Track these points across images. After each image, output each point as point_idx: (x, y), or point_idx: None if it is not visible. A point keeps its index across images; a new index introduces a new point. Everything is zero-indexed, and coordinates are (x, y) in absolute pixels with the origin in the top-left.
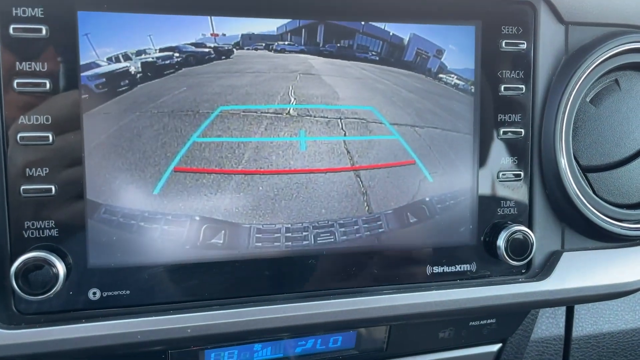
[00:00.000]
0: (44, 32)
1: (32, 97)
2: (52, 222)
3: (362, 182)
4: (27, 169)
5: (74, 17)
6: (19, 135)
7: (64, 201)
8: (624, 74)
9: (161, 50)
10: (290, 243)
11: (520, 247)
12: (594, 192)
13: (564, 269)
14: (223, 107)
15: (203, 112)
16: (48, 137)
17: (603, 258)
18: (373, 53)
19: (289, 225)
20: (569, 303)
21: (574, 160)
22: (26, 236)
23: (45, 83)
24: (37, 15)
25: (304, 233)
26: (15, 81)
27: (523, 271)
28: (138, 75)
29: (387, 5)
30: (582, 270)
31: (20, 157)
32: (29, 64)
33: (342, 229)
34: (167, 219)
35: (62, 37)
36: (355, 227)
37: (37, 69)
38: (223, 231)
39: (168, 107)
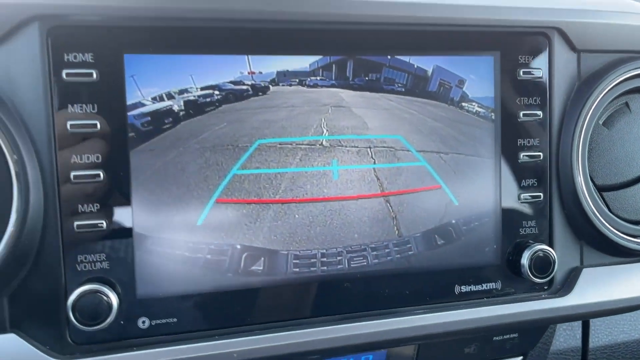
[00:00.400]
0: (94, 75)
1: (83, 137)
2: (103, 255)
3: (391, 207)
4: (80, 206)
5: (121, 60)
6: (72, 174)
7: (114, 235)
8: (634, 97)
9: (202, 88)
10: (325, 267)
11: (543, 265)
12: (609, 209)
13: (584, 285)
14: (261, 141)
15: (242, 145)
16: (99, 174)
17: (620, 273)
18: (399, 85)
19: (324, 251)
20: (590, 317)
21: (590, 180)
22: (79, 269)
23: (96, 124)
24: (87, 60)
25: (339, 257)
26: (69, 123)
27: (545, 288)
28: (181, 113)
29: (412, 39)
30: (601, 286)
31: (73, 194)
32: (80, 106)
33: (374, 253)
34: (210, 248)
35: (111, 80)
36: (387, 250)
37: (88, 111)
38: (263, 258)
39: (209, 142)
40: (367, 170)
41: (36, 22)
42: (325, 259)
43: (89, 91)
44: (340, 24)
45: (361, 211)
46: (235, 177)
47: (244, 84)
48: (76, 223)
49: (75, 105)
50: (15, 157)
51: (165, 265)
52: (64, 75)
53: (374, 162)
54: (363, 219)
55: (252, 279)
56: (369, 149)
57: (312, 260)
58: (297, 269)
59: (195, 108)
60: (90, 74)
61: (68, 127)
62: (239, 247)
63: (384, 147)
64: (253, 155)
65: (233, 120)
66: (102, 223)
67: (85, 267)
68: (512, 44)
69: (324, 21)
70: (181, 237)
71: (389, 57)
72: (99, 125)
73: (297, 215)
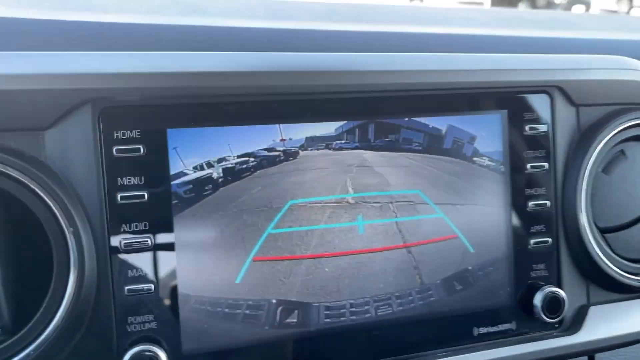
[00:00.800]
0: (141, 150)
1: (132, 207)
2: (151, 316)
3: (413, 257)
4: (130, 271)
5: (165, 134)
6: (123, 241)
7: (161, 296)
8: (629, 144)
9: (239, 156)
10: (354, 317)
11: (554, 306)
12: (612, 250)
13: (592, 322)
14: (292, 201)
15: (276, 207)
16: (147, 241)
17: (625, 309)
18: (416, 144)
19: (353, 301)
20: (599, 352)
21: (593, 224)
22: (129, 330)
23: (143, 195)
24: (135, 137)
25: (366, 307)
26: (119, 195)
27: (556, 326)
28: (220, 180)
29: (427, 102)
30: (608, 322)
31: (124, 261)
32: (129, 179)
33: (399, 301)
34: (249, 304)
35: (156, 153)
36: (410, 297)
37: (136, 183)
38: (296, 311)
39: (246, 205)
40: (389, 223)
41: (89, 104)
42: (354, 309)
43: (136, 164)
44: (361, 93)
45: (386, 262)
46: (270, 236)
47: (276, 151)
48: (127, 288)
49: (124, 178)
50: (72, 229)
51: (207, 322)
52: (114, 152)
53: (396, 216)
54: (387, 269)
55: (288, 331)
56: (391, 204)
57: (342, 310)
58: (329, 320)
59: (232, 174)
60: (138, 149)
61: (118, 199)
62: (274, 301)
63: (404, 201)
64: (286, 215)
65: (267, 184)
66: (151, 286)
67: (135, 327)
68: (517, 102)
69: (346, 91)
70: (221, 294)
71: (406, 119)
72: (146, 196)
73: (327, 269)
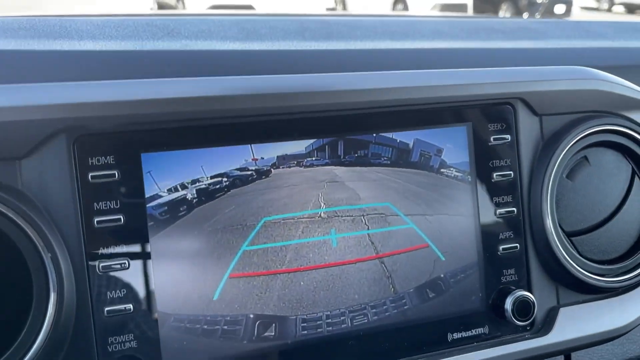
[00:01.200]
0: (116, 175)
1: (109, 231)
2: (131, 336)
3: (386, 268)
4: (108, 293)
5: (139, 159)
6: (101, 265)
7: (140, 317)
8: (591, 150)
9: (212, 177)
10: (331, 328)
11: (524, 309)
12: (578, 253)
13: (562, 323)
14: (266, 218)
15: (250, 224)
16: (125, 263)
17: (593, 309)
18: (385, 158)
19: (329, 313)
20: (571, 352)
21: (559, 228)
22: (110, 350)
23: (120, 218)
24: (109, 162)
25: (342, 317)
26: (95, 219)
27: (528, 328)
28: (194, 201)
29: (393, 118)
30: (577, 322)
31: (102, 283)
32: (105, 204)
33: (373, 310)
34: (226, 319)
35: (130, 177)
36: (384, 307)
37: (112, 207)
38: (273, 324)
39: (221, 224)
40: (362, 236)
41: (63, 133)
42: (330, 320)
43: (112, 189)
44: (329, 112)
45: (359, 273)
46: (245, 253)
47: (248, 170)
48: (106, 309)
49: (100, 203)
50: (50, 254)
51: (186, 339)
52: (89, 178)
53: (368, 228)
54: (361, 280)
55: (266, 344)
56: (362, 217)
57: (318, 322)
58: (305, 332)
59: (206, 195)
60: (113, 175)
61: (95, 223)
62: (252, 316)
63: (375, 214)
64: (260, 232)
65: (241, 203)
66: (130, 307)
67: (115, 347)
68: (482, 115)
69: (316, 110)
70: (200, 311)
71: (374, 135)
72: (122, 219)
73: (302, 283)
